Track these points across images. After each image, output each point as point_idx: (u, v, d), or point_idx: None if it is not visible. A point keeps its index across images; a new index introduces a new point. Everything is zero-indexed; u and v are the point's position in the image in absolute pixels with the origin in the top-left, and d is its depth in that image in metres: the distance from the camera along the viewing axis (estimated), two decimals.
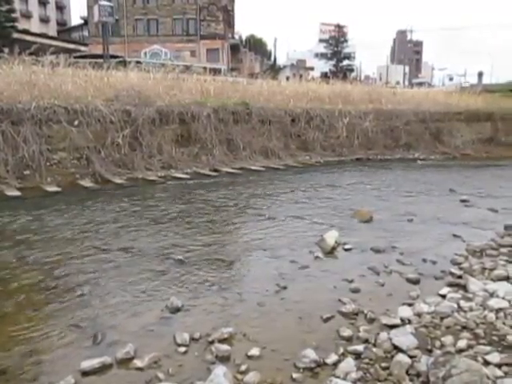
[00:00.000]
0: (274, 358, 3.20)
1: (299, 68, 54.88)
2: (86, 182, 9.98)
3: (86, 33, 45.11)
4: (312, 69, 60.54)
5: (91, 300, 4.13)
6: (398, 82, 46.77)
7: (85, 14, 44.04)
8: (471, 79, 54.07)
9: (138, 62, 20.63)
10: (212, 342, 3.33)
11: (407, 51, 73.71)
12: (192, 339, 3.38)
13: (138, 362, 3.08)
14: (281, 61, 64.66)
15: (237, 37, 49.15)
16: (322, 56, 63.02)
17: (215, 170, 12.35)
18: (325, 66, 59.22)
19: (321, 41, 69.28)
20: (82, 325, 3.62)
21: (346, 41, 60.87)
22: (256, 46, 59.95)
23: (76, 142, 10.39)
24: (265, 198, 8.95)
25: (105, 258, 5.24)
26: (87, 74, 13.06)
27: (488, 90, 28.17)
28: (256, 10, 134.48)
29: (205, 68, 27.20)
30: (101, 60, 18.66)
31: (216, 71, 26.51)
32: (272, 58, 62.28)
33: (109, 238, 6.01)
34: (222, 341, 3.35)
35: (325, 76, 37.61)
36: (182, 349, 3.26)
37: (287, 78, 34.71)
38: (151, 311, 3.89)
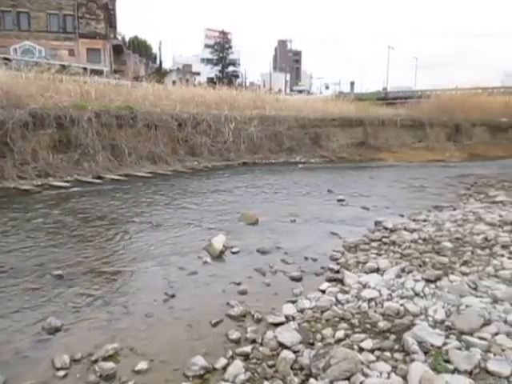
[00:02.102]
0: (163, 370, 3.14)
1: (186, 72, 54.57)
2: None
3: None
4: (198, 74, 60.61)
5: None
6: (280, 90, 49.00)
7: None
8: (345, 88, 58.90)
9: (6, 59, 18.79)
10: (95, 361, 3.15)
11: (288, 60, 77.62)
12: (73, 360, 3.17)
13: None
14: (167, 64, 63.63)
15: (119, 37, 47.20)
16: (208, 61, 63.51)
17: (99, 177, 11.74)
18: (211, 71, 59.74)
19: (206, 46, 69.77)
20: None
21: (230, 47, 62.13)
22: (140, 48, 58.20)
23: None
24: (152, 205, 8.72)
25: None
26: None
27: (359, 99, 30.95)
28: (139, 11, 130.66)
29: (85, 69, 25.71)
30: None
31: (97, 72, 25.19)
32: (157, 62, 61.00)
33: None
34: (107, 358, 3.19)
35: (211, 81, 37.96)
36: (62, 372, 3.04)
37: (173, 83, 34.28)
38: (25, 335, 3.55)
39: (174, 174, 13.13)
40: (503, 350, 3.08)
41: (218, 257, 5.63)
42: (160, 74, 43.69)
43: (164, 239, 6.38)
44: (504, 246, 5.57)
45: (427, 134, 21.43)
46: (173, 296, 4.39)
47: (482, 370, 2.89)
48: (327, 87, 73.39)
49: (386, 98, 41.52)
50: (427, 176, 13.70)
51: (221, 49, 61.17)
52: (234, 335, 3.56)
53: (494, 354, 3.04)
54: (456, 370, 2.89)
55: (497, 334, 3.32)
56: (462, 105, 24.31)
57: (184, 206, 8.68)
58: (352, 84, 46.13)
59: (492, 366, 2.90)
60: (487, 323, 3.45)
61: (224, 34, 62.18)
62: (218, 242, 5.81)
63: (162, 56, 57.09)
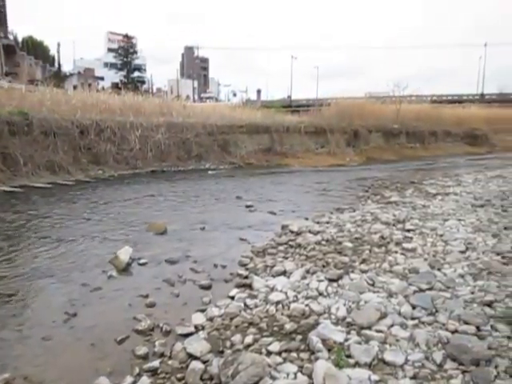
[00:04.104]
0: None
1: (88, 77, 52.14)
2: None
3: None
4: (102, 78, 58.32)
5: None
6: (188, 96, 48.76)
7: None
8: (252, 95, 60.40)
9: None
10: None
11: (195, 67, 77.44)
12: None
13: None
14: (66, 68, 60.23)
15: (11, 37, 43.59)
16: (112, 66, 61.34)
17: None
18: (115, 76, 57.71)
19: (110, 50, 67.27)
20: None
21: (135, 52, 60.53)
22: (36, 49, 54.31)
23: None
24: (51, 218, 8.13)
25: None
26: None
27: (265, 106, 31.89)
28: (34, 10, 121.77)
29: None
30: None
31: None
32: (56, 65, 57.42)
33: None
34: None
35: (116, 87, 36.66)
36: None
37: (74, 87, 32.56)
38: None
39: (76, 184, 12.41)
40: (397, 341, 3.34)
41: (125, 270, 5.40)
42: (59, 77, 41.29)
43: (65, 254, 5.98)
44: (397, 243, 6.05)
45: (329, 139, 22.64)
46: (74, 315, 4.11)
47: (380, 361, 3.10)
48: (235, 94, 74.67)
49: (290, 105, 43.37)
50: (329, 180, 14.47)
51: (125, 53, 59.34)
52: (141, 351, 3.43)
53: (390, 345, 3.28)
54: (357, 364, 3.06)
55: (392, 325, 3.58)
56: (359, 112, 26.09)
57: (87, 218, 8.22)
58: (259, 92, 47.52)
59: (388, 356, 3.12)
60: (383, 316, 3.71)
61: (128, 38, 60.43)
62: (124, 254, 5.57)
63: (61, 59, 53.82)
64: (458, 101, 46.33)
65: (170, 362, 3.24)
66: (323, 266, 5.17)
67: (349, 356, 3.15)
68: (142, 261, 5.67)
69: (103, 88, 33.09)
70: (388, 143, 26.30)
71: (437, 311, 3.82)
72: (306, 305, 4.04)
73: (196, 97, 62.32)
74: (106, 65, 66.20)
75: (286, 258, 5.67)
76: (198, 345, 3.37)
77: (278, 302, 4.16)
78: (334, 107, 27.36)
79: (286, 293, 4.35)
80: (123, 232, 7.21)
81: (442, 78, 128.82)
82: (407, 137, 27.72)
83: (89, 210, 8.92)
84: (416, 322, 3.66)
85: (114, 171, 14.48)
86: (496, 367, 2.91)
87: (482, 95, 53.75)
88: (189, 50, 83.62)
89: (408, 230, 6.76)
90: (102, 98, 18.42)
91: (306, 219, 8.11)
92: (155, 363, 3.23)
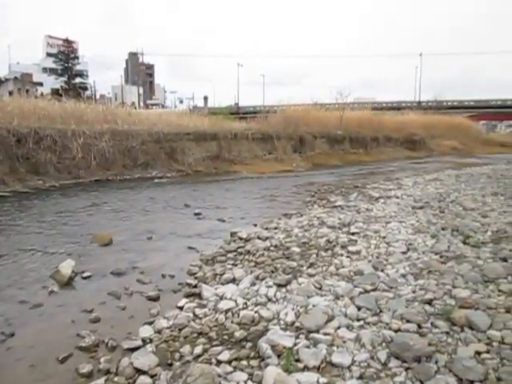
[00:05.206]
0: None
1: (25, 82, 49.75)
2: None
3: None
4: (41, 84, 55.96)
5: None
6: (133, 103, 47.78)
7: None
8: (198, 102, 60.26)
9: None
10: None
11: (140, 73, 75.93)
12: None
13: None
14: (1, 73, 57.20)
15: None
16: (52, 71, 59.01)
17: None
18: (55, 82, 55.55)
19: (49, 55, 64.72)
20: None
21: (77, 57, 58.64)
22: None
23: None
24: None
25: None
26: None
27: (213, 113, 31.81)
28: None
29: None
30: None
31: None
32: None
33: None
34: None
35: (56, 93, 35.30)
36: None
37: (10, 93, 31.01)
38: None
39: (13, 195, 11.75)
40: (344, 342, 3.42)
41: (67, 284, 5.17)
42: None
43: (1, 270, 5.64)
44: (343, 246, 6.22)
45: (276, 146, 22.89)
46: (12, 335, 3.87)
47: (328, 364, 3.16)
48: (181, 101, 74.19)
49: (238, 112, 43.69)
50: (277, 186, 14.62)
51: (66, 58, 57.36)
52: (85, 368, 3.28)
53: (337, 347, 3.36)
54: (306, 368, 3.11)
55: (339, 327, 3.67)
56: (304, 119, 26.61)
57: (26, 231, 7.79)
58: (205, 98, 47.46)
59: (336, 358, 3.19)
60: (331, 319, 3.79)
61: (69, 42, 58.52)
62: (66, 267, 5.34)
63: None
64: (397, 107, 48.56)
65: (116, 379, 3.13)
66: (272, 272, 5.21)
67: (298, 360, 3.18)
68: (85, 274, 5.45)
69: (42, 94, 31.70)
70: (333, 149, 26.99)
71: (381, 311, 3.96)
72: (256, 311, 4.05)
73: (142, 104, 61.16)
74: (45, 70, 63.54)
75: (236, 265, 5.66)
76: (145, 359, 3.29)
77: (227, 310, 4.14)
78: (281, 114, 27.71)
79: (235, 300, 4.34)
80: (66, 244, 6.90)
81: (382, 85, 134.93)
82: (351, 142, 28.59)
83: (28, 223, 8.46)
84: (361, 322, 3.78)
85: (56, 181, 13.85)
86: (436, 362, 3.06)
87: (419, 102, 56.75)
88: (133, 56, 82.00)
89: (353, 233, 6.96)
90: (40, 105, 17.60)
91: (255, 225, 8.15)
92: (100, 381, 3.11)
